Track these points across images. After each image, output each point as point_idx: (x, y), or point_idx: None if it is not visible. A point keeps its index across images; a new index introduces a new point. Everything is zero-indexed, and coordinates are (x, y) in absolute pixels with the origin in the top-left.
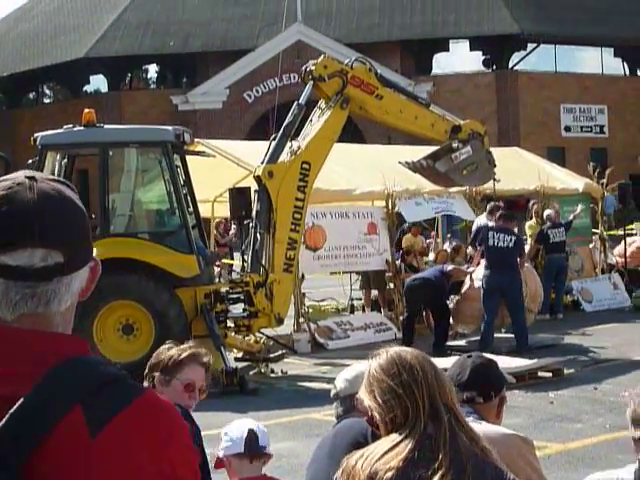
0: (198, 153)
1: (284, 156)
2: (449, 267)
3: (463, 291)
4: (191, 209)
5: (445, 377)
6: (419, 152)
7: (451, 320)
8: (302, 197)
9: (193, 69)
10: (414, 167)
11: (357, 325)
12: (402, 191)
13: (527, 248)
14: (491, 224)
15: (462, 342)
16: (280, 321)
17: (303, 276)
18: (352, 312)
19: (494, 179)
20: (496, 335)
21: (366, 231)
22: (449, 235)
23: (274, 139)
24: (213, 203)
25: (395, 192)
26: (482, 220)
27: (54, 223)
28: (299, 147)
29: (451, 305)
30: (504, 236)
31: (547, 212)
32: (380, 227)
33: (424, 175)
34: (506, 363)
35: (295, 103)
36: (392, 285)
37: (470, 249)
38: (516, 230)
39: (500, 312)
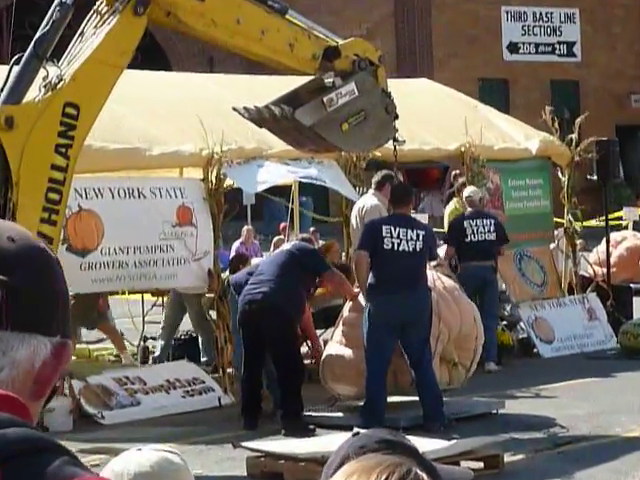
0: None
1: (35, 92)
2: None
3: (342, 321)
4: None
5: None
6: (267, 88)
7: (322, 374)
8: (64, 164)
9: None
10: (259, 118)
11: (154, 383)
12: (234, 151)
13: (443, 251)
14: (373, 203)
15: (337, 414)
16: None
17: None
18: (146, 360)
19: (395, 139)
20: (392, 399)
21: (174, 220)
22: (312, 228)
23: (17, 62)
24: None
25: (222, 154)
26: (369, 201)
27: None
28: (61, 78)
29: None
30: (406, 232)
31: (468, 191)
32: (198, 213)
33: (276, 132)
34: None
35: (55, 3)
36: (215, 314)
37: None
38: (424, 219)
39: (398, 364)
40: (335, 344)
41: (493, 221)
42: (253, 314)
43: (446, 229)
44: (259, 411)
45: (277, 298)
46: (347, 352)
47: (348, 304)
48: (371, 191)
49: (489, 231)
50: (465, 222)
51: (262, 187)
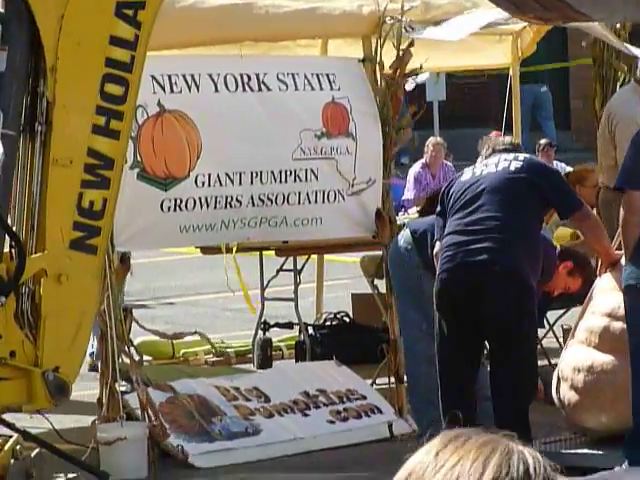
0: None
1: None
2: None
3: (595, 307)
4: None
5: None
6: None
7: (560, 392)
8: (131, 35)
9: None
10: None
11: (282, 399)
12: (415, 10)
13: None
14: (618, 98)
15: (581, 450)
16: (62, 389)
17: (123, 259)
18: (266, 361)
19: None
20: None
21: (320, 128)
22: (543, 140)
23: None
24: None
25: (399, 15)
26: (618, 96)
27: None
28: None
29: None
30: None
31: None
32: (358, 116)
33: None
34: None
35: None
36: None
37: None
38: None
39: None
40: (579, 346)
41: None
42: (470, 285)
43: None
44: None
45: (514, 257)
46: (601, 360)
47: (603, 279)
48: (632, 83)
49: None
50: None
51: (468, 30)
